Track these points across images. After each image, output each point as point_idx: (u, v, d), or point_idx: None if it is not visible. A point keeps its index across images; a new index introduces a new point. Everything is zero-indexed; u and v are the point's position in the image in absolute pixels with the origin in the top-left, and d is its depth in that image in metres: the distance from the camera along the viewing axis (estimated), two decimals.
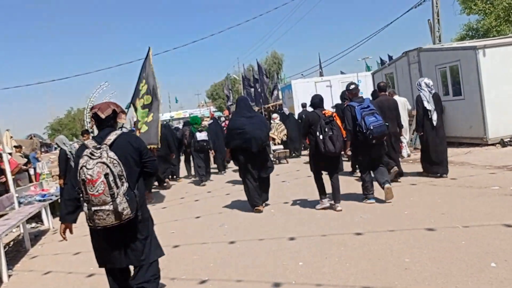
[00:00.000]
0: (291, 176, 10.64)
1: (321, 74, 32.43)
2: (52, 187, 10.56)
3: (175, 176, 12.55)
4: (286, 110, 17.44)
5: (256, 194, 7.15)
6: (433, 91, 7.89)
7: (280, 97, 35.63)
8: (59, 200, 9.38)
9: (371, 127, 6.30)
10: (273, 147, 14.65)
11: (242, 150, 7.03)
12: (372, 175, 6.80)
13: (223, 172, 12.97)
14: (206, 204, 8.54)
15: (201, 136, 11.00)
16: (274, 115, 16.60)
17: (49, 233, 8.07)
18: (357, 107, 6.47)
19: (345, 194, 7.21)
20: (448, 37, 28.11)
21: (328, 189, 6.75)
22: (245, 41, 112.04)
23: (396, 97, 9.64)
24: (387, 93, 8.57)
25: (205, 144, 10.95)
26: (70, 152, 9.68)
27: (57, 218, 9.55)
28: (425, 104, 7.79)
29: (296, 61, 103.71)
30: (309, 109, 7.46)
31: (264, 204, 7.29)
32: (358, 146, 6.62)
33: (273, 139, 14.51)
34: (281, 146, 14.04)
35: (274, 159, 13.92)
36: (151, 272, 3.40)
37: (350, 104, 6.62)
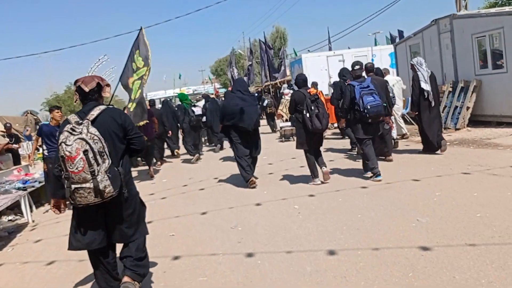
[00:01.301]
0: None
1: (330, 50, 30.73)
2: (38, 172, 9.24)
3: (176, 152, 12.44)
4: (295, 87, 16.14)
5: (249, 169, 7.32)
6: (429, 72, 7.93)
7: (288, 73, 34.17)
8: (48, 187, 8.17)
9: (368, 107, 6.48)
10: (280, 124, 14.21)
11: (236, 128, 7.26)
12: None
13: (218, 148, 12.69)
14: (213, 194, 7.24)
15: (198, 110, 10.88)
16: (286, 91, 15.41)
17: (27, 230, 6.74)
18: (357, 86, 6.65)
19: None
20: (474, 6, 26.02)
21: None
22: (250, 16, 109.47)
23: (388, 77, 9.72)
24: (374, 73, 8.03)
25: (200, 118, 10.83)
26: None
27: (41, 208, 8.37)
28: (422, 84, 7.83)
29: (302, 36, 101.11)
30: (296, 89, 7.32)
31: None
32: (354, 123, 6.85)
33: (282, 116, 13.41)
34: (289, 123, 13.23)
35: (281, 137, 13.69)
36: (138, 250, 3.36)
37: (351, 83, 6.84)
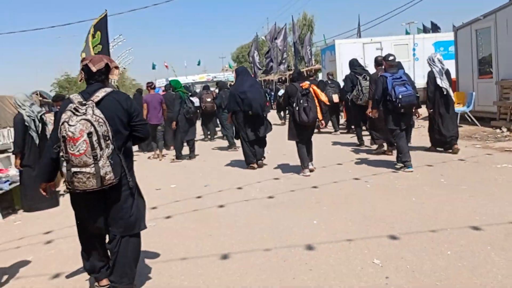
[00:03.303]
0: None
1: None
2: (13, 169, 7.25)
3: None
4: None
5: (252, 154, 7.89)
6: (445, 67, 7.64)
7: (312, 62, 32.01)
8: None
9: (400, 96, 6.48)
10: None
11: (244, 114, 7.69)
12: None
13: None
14: (239, 217, 5.14)
15: (196, 101, 10.35)
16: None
17: None
18: (389, 78, 6.65)
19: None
20: None
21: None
22: (275, 2, 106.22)
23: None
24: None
25: (197, 111, 10.18)
26: (29, 117, 6.39)
27: (11, 218, 6.42)
28: (438, 81, 7.53)
29: (329, 25, 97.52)
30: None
31: (262, 159, 8.10)
32: (387, 114, 6.80)
33: None
34: None
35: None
36: (132, 245, 3.20)
37: (383, 74, 6.82)
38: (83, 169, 2.77)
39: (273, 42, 32.63)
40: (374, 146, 8.84)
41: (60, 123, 2.81)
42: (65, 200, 6.63)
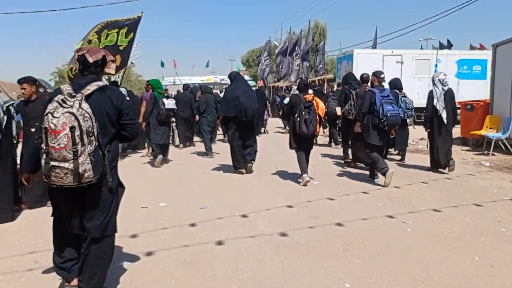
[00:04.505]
0: None
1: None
2: None
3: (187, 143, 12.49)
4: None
5: (241, 159, 7.92)
6: (446, 88, 7.73)
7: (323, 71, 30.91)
8: None
9: (388, 115, 6.65)
10: None
11: (235, 119, 7.68)
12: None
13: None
14: (243, 263, 3.86)
15: (170, 104, 9.01)
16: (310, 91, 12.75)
17: None
18: (378, 94, 6.80)
19: None
20: None
21: None
22: (290, 7, 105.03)
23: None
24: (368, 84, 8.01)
25: (172, 114, 9.19)
26: (3, 111, 5.23)
27: None
28: (434, 101, 7.67)
29: (342, 35, 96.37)
30: None
31: (252, 162, 8.05)
32: (368, 129, 6.92)
33: None
34: None
35: None
36: (104, 245, 3.07)
37: (372, 89, 6.98)
38: (62, 164, 2.67)
39: (285, 47, 31.50)
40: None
41: (45, 114, 2.70)
42: (26, 218, 5.38)
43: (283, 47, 32.47)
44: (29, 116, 5.55)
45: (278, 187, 6.92)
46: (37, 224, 5.03)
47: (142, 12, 9.78)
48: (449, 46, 30.48)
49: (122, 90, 11.20)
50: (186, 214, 5.43)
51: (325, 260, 3.87)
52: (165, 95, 9.22)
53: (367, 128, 6.94)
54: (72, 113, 2.67)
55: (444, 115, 7.62)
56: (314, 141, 8.10)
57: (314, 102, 6.97)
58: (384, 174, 6.73)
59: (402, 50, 19.39)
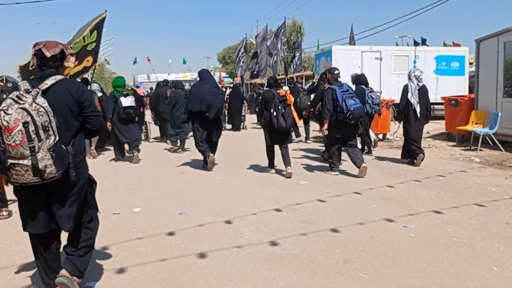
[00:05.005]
0: None
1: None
2: None
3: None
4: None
5: (208, 151, 7.87)
6: (421, 84, 7.95)
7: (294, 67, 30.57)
8: None
9: (352, 109, 6.81)
10: None
11: (200, 115, 7.72)
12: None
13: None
14: (234, 286, 3.32)
15: (127, 101, 8.74)
16: (285, 88, 12.52)
17: None
18: (338, 90, 6.98)
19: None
20: None
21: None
22: (266, 6, 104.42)
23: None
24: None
25: (131, 111, 8.77)
26: None
27: None
28: (409, 95, 7.88)
29: (319, 32, 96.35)
30: None
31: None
32: (334, 124, 7.05)
33: None
34: None
35: None
36: (81, 239, 3.05)
37: (331, 87, 7.11)
38: (20, 161, 2.59)
39: (262, 43, 30.93)
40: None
41: None
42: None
43: (259, 43, 31.93)
44: None
45: (263, 188, 6.40)
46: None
47: (106, 11, 9.96)
48: (424, 43, 30.69)
49: (95, 86, 10.64)
50: (163, 221, 4.86)
51: (325, 275, 3.37)
52: (124, 93, 8.90)
53: (333, 124, 7.05)
54: (24, 109, 2.58)
55: (418, 109, 7.80)
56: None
57: (287, 96, 7.16)
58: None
59: (381, 46, 19.22)
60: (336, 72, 7.30)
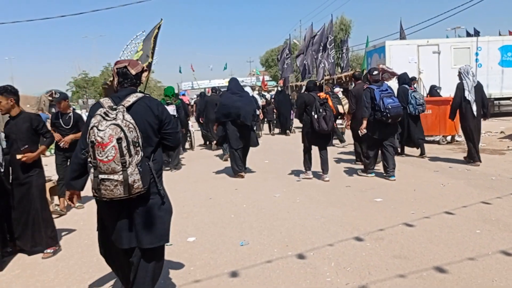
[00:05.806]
0: None
1: None
2: None
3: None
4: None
5: (240, 163, 8.01)
6: (476, 82, 7.73)
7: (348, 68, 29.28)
8: None
9: (389, 107, 6.75)
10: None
11: (233, 123, 7.84)
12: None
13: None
14: None
15: (170, 110, 8.38)
16: (336, 89, 12.42)
17: None
18: (376, 90, 6.96)
19: None
20: None
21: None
22: (307, 4, 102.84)
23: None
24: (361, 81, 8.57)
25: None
26: None
27: None
28: (466, 93, 7.62)
29: (366, 29, 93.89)
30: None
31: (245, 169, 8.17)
32: (372, 124, 7.01)
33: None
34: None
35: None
36: (155, 257, 2.95)
37: (370, 86, 7.13)
38: (111, 176, 2.59)
39: (308, 43, 29.89)
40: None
41: (89, 128, 2.64)
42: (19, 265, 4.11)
43: (304, 44, 30.90)
44: (12, 138, 4.27)
45: (335, 209, 5.48)
46: (34, 272, 3.78)
47: (162, 19, 10.25)
48: (477, 34, 28.82)
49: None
50: (223, 256, 4.11)
51: None
52: (167, 102, 9.22)
53: (371, 124, 7.03)
54: (118, 125, 2.60)
55: (474, 107, 7.62)
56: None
57: (328, 99, 7.13)
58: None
59: (438, 39, 17.86)
60: (375, 73, 7.30)
